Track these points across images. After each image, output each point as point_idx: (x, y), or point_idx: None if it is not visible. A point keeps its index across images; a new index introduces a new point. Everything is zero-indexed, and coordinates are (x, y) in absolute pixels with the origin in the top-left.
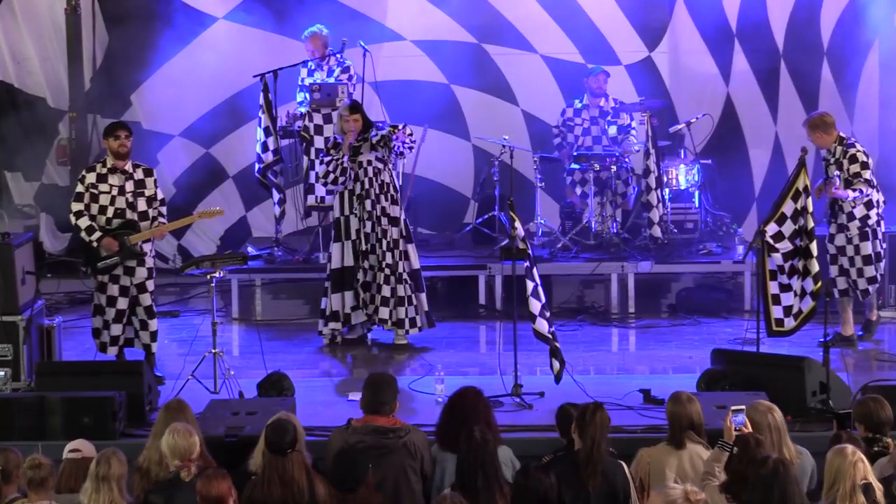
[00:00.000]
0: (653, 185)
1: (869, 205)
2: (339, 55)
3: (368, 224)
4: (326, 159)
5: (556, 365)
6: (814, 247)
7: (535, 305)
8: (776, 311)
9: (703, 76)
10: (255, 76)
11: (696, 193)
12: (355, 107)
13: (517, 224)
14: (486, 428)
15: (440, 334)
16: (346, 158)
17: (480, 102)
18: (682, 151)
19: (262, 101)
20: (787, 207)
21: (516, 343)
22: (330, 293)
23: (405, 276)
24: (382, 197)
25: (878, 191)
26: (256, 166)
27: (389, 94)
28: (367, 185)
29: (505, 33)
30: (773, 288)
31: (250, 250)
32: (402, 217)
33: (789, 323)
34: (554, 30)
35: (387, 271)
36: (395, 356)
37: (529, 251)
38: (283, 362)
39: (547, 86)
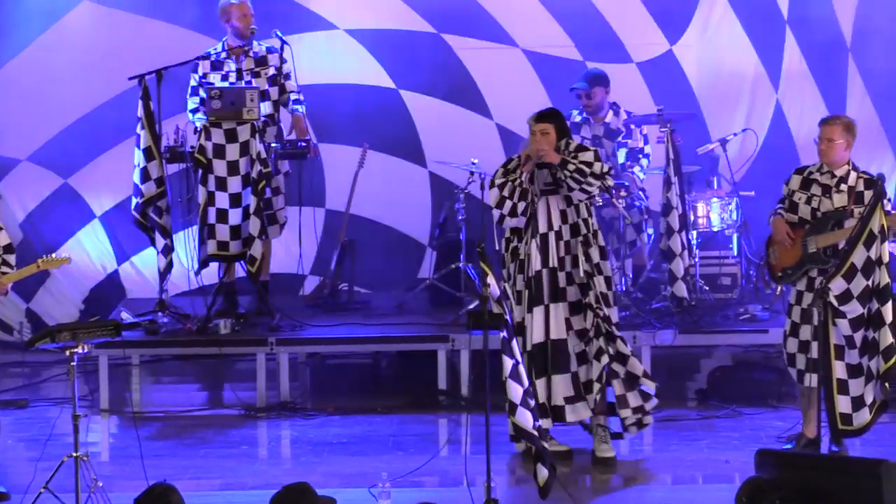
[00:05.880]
0: (675, 226)
1: None
2: (259, 43)
3: (574, 276)
4: (499, 182)
5: (543, 473)
6: (888, 311)
7: (516, 391)
8: (842, 404)
9: (743, 77)
10: (131, 78)
11: (735, 237)
12: (544, 115)
13: (490, 280)
14: None
15: (386, 430)
16: (525, 178)
17: (440, 114)
18: (716, 179)
19: (141, 112)
20: (858, 256)
21: (489, 443)
22: (533, 378)
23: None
24: (589, 238)
25: None
26: (134, 201)
27: (315, 102)
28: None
29: (474, 21)
30: (838, 370)
31: (125, 317)
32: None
33: (861, 419)
34: (541, 16)
35: (601, 343)
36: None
37: (507, 317)
38: (170, 470)
39: (531, 91)
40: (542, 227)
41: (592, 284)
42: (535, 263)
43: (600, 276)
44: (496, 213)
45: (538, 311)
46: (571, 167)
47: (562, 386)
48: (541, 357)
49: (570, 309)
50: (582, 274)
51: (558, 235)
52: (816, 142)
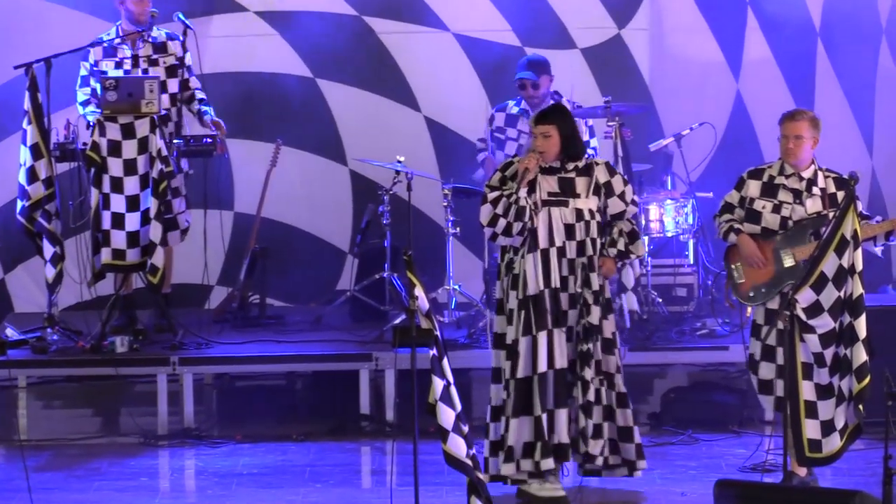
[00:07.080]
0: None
1: None
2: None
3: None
4: (492, 196)
5: None
6: (861, 325)
7: (447, 416)
8: (810, 429)
9: (700, 65)
10: (17, 67)
11: (692, 243)
12: (545, 115)
13: (418, 292)
14: None
15: (302, 460)
16: (523, 193)
17: (362, 106)
18: (670, 179)
19: (27, 104)
20: (829, 264)
21: (417, 473)
22: (540, 412)
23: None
24: (594, 261)
25: None
26: (20, 204)
27: (223, 93)
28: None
29: (399, 2)
30: (806, 391)
31: (10, 333)
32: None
33: (831, 445)
34: None
35: (599, 378)
36: None
37: (437, 333)
38: None
39: (464, 81)
40: (543, 243)
41: (585, 313)
42: (536, 283)
43: (595, 305)
44: (487, 231)
45: (542, 337)
46: (632, 257)
47: (564, 421)
48: (544, 388)
49: (567, 335)
50: (589, 298)
51: (561, 252)
52: (779, 140)
